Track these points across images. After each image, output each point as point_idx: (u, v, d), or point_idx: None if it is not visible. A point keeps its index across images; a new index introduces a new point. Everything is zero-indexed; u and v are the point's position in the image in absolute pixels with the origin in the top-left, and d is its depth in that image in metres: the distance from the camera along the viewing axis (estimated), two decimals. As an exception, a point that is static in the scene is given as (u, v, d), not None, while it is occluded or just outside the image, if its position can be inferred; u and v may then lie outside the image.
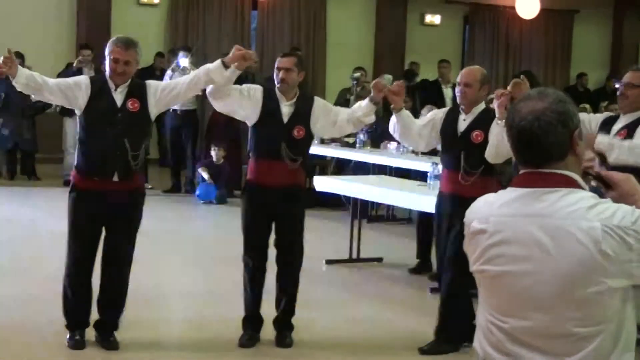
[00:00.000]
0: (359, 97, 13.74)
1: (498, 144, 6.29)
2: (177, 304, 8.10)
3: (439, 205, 6.80)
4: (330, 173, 13.52)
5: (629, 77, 6.55)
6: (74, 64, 14.60)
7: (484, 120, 6.50)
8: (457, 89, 6.68)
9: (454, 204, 6.44)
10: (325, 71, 19.24)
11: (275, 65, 6.57)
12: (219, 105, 6.56)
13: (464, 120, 6.61)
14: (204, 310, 7.69)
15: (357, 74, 14.22)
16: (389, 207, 12.08)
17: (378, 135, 12.27)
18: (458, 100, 6.70)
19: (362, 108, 6.59)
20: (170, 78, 14.93)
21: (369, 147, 12.31)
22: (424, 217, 9.03)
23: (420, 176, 9.87)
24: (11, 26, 15.82)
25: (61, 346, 6.35)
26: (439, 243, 6.83)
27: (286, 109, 6.52)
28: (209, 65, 6.26)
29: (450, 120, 6.68)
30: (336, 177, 9.77)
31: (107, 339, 6.38)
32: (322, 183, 9.60)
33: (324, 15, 19.47)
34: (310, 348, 6.71)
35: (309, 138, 6.67)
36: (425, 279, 8.74)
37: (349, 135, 13.04)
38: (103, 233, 6.30)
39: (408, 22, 20.22)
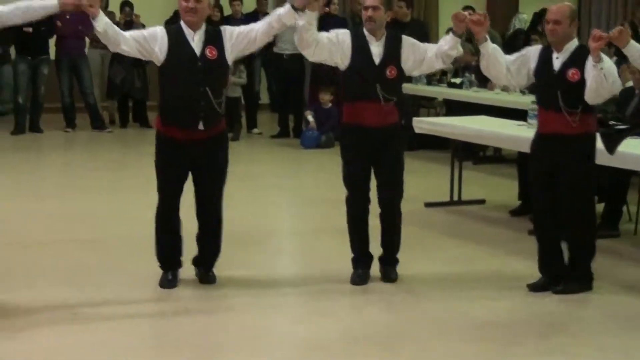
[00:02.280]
0: (468, 39, 13.58)
1: (597, 87, 6.18)
2: (281, 243, 8.25)
3: (536, 146, 6.63)
4: (440, 114, 13.41)
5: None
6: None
7: (579, 58, 6.32)
8: (546, 27, 6.48)
9: (557, 144, 6.37)
10: (437, 10, 18.93)
11: (363, 4, 6.53)
12: (308, 54, 6.49)
13: (557, 58, 6.42)
14: (310, 249, 7.83)
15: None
16: (496, 147, 11.86)
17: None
18: (548, 38, 6.52)
19: (447, 42, 6.49)
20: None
21: (475, 87, 12.10)
22: (524, 158, 8.84)
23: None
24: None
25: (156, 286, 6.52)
26: (535, 185, 6.66)
27: (376, 49, 6.49)
28: (279, 10, 6.18)
29: (544, 59, 6.50)
30: (434, 119, 9.61)
31: (205, 275, 6.55)
32: (421, 125, 9.45)
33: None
34: (411, 283, 6.75)
35: (401, 77, 6.64)
36: (526, 220, 8.56)
37: (456, 75, 12.93)
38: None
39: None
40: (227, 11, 15.68)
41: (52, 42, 14.15)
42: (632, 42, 6.30)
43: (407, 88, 11.31)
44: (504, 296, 6.51)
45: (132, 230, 7.70)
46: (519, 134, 8.26)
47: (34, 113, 14.07)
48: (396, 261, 6.81)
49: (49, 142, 13.62)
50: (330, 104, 13.41)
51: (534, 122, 8.34)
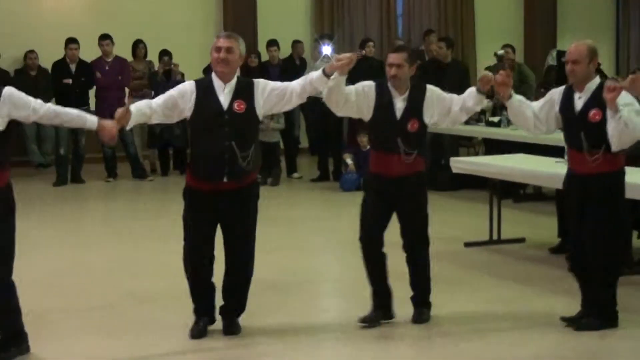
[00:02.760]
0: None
1: (620, 135, 6.21)
2: (319, 288, 8.24)
3: (568, 184, 6.70)
4: (480, 153, 13.40)
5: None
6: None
7: (600, 97, 6.29)
8: (566, 67, 6.45)
9: (582, 183, 6.45)
10: (474, 48, 18.95)
11: (387, 61, 6.52)
12: (336, 111, 6.56)
13: (579, 98, 6.45)
14: (348, 294, 7.82)
15: (500, 52, 13.94)
16: (536, 185, 11.80)
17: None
18: (569, 79, 6.50)
19: (472, 97, 6.51)
20: (313, 68, 15.06)
21: (513, 125, 12.05)
22: (563, 195, 8.81)
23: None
24: (159, 21, 16.21)
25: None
26: (569, 222, 6.75)
27: (400, 103, 6.52)
28: (312, 75, 6.24)
29: (567, 98, 6.53)
30: (472, 158, 9.61)
31: (228, 325, 6.52)
32: (459, 165, 9.46)
33: (470, -8, 19.23)
34: (448, 324, 6.73)
35: (423, 130, 6.62)
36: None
37: (494, 113, 12.91)
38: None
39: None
40: (264, 57, 15.84)
41: (91, 92, 14.30)
42: None
43: (446, 128, 11.28)
44: (546, 336, 6.46)
45: (172, 280, 7.72)
46: (557, 172, 8.17)
47: (76, 164, 14.20)
48: (426, 304, 6.79)
49: (91, 192, 13.74)
50: (368, 147, 13.42)
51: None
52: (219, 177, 6.18)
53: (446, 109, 6.60)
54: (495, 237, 9.39)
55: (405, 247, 6.72)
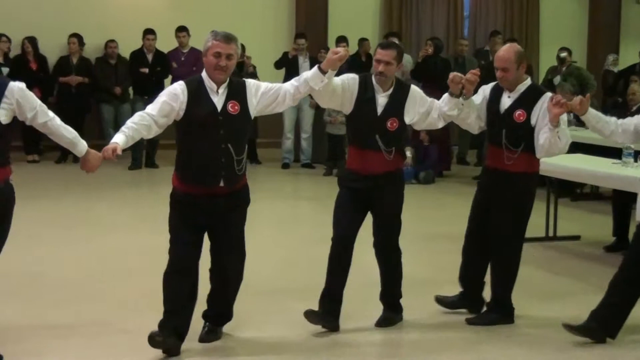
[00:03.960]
0: (565, 77, 13.48)
1: (550, 146, 6.25)
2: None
3: (481, 177, 6.83)
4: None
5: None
6: (290, 53, 14.92)
7: (528, 99, 6.36)
8: (496, 74, 6.44)
9: (495, 179, 6.49)
10: (538, 50, 18.80)
11: (375, 57, 6.28)
12: (322, 103, 6.36)
13: (508, 97, 6.46)
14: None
15: (563, 54, 13.86)
16: (592, 185, 11.71)
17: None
18: (501, 84, 6.49)
19: (446, 102, 6.36)
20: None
21: (573, 126, 11.96)
22: (619, 195, 8.80)
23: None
24: (233, 15, 16.21)
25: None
26: (475, 214, 6.71)
27: (382, 99, 6.29)
28: (307, 75, 5.94)
29: (496, 96, 6.53)
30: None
31: (210, 331, 6.18)
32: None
33: (536, -5, 19.09)
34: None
35: (402, 129, 6.43)
36: (620, 256, 8.43)
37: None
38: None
39: (623, 1, 19.53)
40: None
41: (167, 82, 14.42)
42: (590, 110, 6.34)
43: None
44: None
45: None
46: (613, 172, 8.20)
47: (150, 149, 14.37)
48: (396, 307, 6.66)
49: (164, 177, 13.76)
50: (429, 142, 13.44)
51: (629, 160, 8.28)
52: (215, 181, 5.77)
53: (426, 112, 6.42)
54: (551, 234, 9.35)
55: (375, 245, 6.53)
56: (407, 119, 6.38)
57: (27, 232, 9.29)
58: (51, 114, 5.65)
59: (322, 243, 6.67)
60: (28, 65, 14.69)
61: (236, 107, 5.77)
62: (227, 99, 5.76)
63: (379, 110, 6.26)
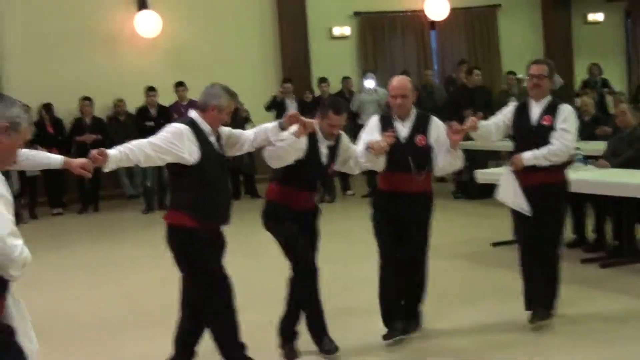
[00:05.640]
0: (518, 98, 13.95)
1: (450, 166, 6.50)
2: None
3: (388, 202, 6.49)
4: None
5: (538, 69, 6.59)
6: (277, 96, 15.36)
7: (421, 125, 6.45)
8: (394, 101, 6.42)
9: (405, 200, 6.40)
10: (500, 76, 19.25)
11: (329, 123, 6.19)
12: (273, 165, 6.19)
13: (404, 127, 6.46)
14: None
15: (519, 76, 14.35)
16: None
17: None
18: (396, 111, 6.46)
19: (364, 156, 6.36)
20: (359, 99, 15.48)
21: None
22: (575, 197, 9.07)
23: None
24: (225, 67, 16.68)
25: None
26: (387, 240, 6.53)
27: (324, 149, 6.30)
28: (267, 126, 6.03)
29: (389, 126, 6.47)
30: (495, 169, 9.88)
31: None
32: (482, 176, 9.90)
33: (495, 26, 19.59)
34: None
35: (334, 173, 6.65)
36: (580, 251, 8.89)
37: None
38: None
39: (573, 23, 20.03)
40: (318, 93, 16.25)
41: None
42: (480, 124, 6.55)
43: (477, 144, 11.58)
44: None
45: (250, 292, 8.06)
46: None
47: (161, 194, 14.72)
48: (418, 316, 6.75)
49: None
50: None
51: (580, 165, 8.67)
52: (229, 218, 5.86)
53: (347, 157, 6.48)
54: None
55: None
56: (337, 165, 6.51)
57: (54, 277, 9.67)
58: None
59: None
60: (46, 130, 15.10)
61: (222, 148, 5.88)
62: (218, 142, 5.81)
63: (324, 159, 6.29)
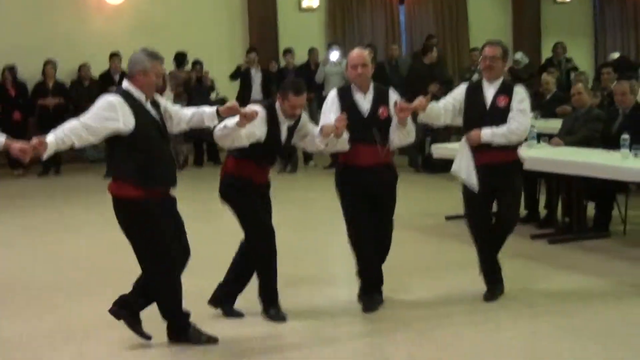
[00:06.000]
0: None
1: (401, 141, 6.56)
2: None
3: (359, 176, 6.55)
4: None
5: (492, 51, 6.63)
6: (242, 66, 15.38)
7: (382, 96, 6.55)
8: (354, 71, 6.47)
9: (373, 173, 6.49)
10: (468, 51, 19.30)
11: (290, 104, 6.28)
12: (225, 147, 6.27)
13: (364, 99, 6.55)
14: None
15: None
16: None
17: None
18: (356, 82, 6.51)
19: (320, 142, 6.46)
20: (323, 71, 15.50)
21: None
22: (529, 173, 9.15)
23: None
24: (192, 35, 16.67)
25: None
26: (358, 212, 6.60)
27: (284, 129, 6.41)
28: (205, 109, 6.05)
29: (350, 98, 6.56)
30: (449, 144, 9.97)
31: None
32: (438, 151, 10.06)
33: (464, 2, 19.66)
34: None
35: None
36: (531, 227, 9.04)
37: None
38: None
39: (542, 2, 20.15)
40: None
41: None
42: (428, 106, 6.54)
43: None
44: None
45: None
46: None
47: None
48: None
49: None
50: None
51: (533, 142, 8.78)
52: (173, 182, 5.88)
53: (304, 134, 6.57)
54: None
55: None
56: (295, 141, 6.60)
57: (10, 239, 9.76)
58: None
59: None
60: (7, 92, 15.04)
61: (160, 116, 5.85)
62: (156, 109, 5.81)
63: (283, 137, 6.40)
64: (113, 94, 5.67)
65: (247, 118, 5.92)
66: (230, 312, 6.53)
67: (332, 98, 6.60)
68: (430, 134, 13.13)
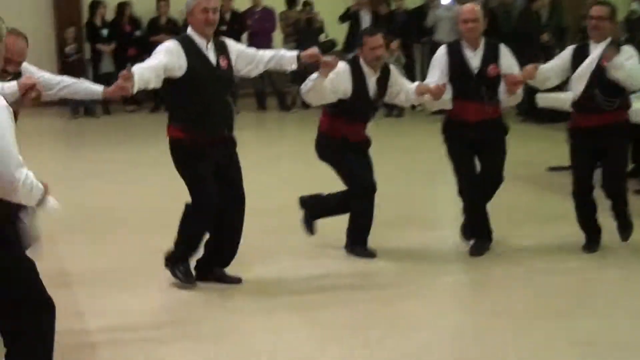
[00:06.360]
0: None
1: (509, 103, 6.72)
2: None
3: (461, 131, 6.64)
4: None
5: (598, 11, 6.47)
6: (352, 8, 15.23)
7: (493, 53, 6.56)
8: (465, 26, 6.49)
9: (483, 128, 6.56)
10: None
11: (369, 46, 6.38)
12: (314, 103, 6.43)
13: (474, 56, 6.57)
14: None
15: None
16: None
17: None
18: (466, 36, 6.54)
19: (415, 99, 6.64)
20: (434, 15, 15.32)
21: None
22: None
23: None
24: None
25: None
26: (465, 162, 6.71)
27: (372, 84, 6.47)
28: (285, 54, 6.00)
29: (459, 55, 6.61)
30: (557, 94, 9.75)
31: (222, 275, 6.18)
32: (543, 100, 9.89)
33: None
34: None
35: (379, 104, 6.73)
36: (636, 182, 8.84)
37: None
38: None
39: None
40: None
41: (243, 38, 14.94)
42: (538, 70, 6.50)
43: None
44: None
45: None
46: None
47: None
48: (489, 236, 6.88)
49: (244, 122, 14.35)
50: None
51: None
52: (221, 129, 5.78)
53: (396, 92, 6.62)
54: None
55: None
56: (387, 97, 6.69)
57: (115, 170, 10.14)
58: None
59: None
60: (122, 28, 15.38)
61: (226, 62, 5.79)
62: (217, 54, 5.74)
63: (371, 92, 6.48)
64: (172, 40, 5.71)
65: (328, 66, 5.92)
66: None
67: (440, 54, 6.65)
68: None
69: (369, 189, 6.52)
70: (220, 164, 5.79)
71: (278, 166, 10.75)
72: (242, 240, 6.03)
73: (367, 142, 6.65)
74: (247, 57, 5.94)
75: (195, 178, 5.73)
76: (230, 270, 6.07)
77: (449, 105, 6.56)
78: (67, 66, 14.75)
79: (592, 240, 6.76)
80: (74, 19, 15.92)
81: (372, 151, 6.68)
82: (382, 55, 6.45)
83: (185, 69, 5.60)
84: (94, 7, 15.41)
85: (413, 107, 14.70)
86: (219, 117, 5.76)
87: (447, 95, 6.47)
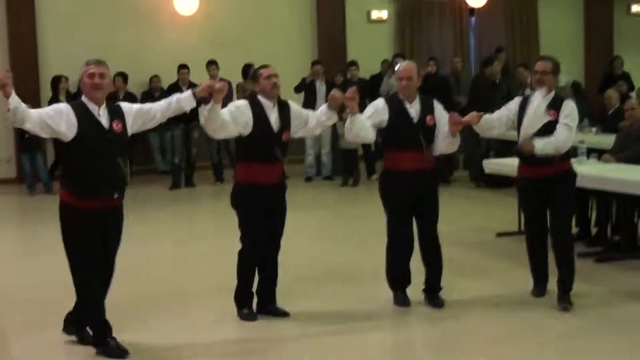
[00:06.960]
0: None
1: (445, 149, 7.07)
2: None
3: (407, 180, 6.94)
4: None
5: (542, 65, 6.86)
6: (307, 78, 15.53)
7: (428, 106, 6.99)
8: (400, 83, 6.94)
9: (419, 177, 6.92)
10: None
11: (263, 77, 6.63)
12: (214, 135, 6.62)
13: (412, 107, 6.94)
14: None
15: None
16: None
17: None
18: (402, 92, 6.95)
19: (324, 113, 6.82)
20: (388, 83, 15.61)
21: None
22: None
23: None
24: (260, 47, 16.75)
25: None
26: (402, 212, 7.07)
27: (273, 117, 6.64)
28: (180, 95, 6.28)
29: (400, 107, 6.94)
30: (502, 160, 9.98)
31: None
32: (490, 166, 10.07)
33: (535, 14, 19.58)
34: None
35: (288, 140, 6.80)
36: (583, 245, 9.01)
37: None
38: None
39: (615, 13, 19.97)
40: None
41: (200, 110, 14.89)
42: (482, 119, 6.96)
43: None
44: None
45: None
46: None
47: (188, 171, 15.11)
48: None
49: (201, 194, 14.59)
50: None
51: (582, 158, 8.79)
52: (111, 193, 5.94)
53: (304, 122, 6.86)
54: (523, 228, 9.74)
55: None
56: (293, 130, 6.82)
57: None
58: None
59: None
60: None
61: (119, 125, 5.99)
62: (111, 118, 5.96)
63: (274, 126, 6.64)
64: (64, 104, 5.98)
65: (220, 91, 6.12)
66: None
67: (381, 105, 6.99)
68: (493, 149, 13.18)
69: (252, 253, 6.74)
70: (108, 230, 5.98)
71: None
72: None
73: (282, 186, 6.78)
74: (144, 115, 6.17)
75: (77, 246, 5.89)
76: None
77: (370, 134, 6.87)
78: (26, 141, 14.74)
79: (540, 285, 7.15)
80: (32, 93, 15.90)
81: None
82: (277, 84, 6.64)
83: (75, 132, 5.80)
84: (55, 82, 15.44)
85: (369, 174, 15.00)
86: (108, 179, 5.92)
87: (366, 120, 6.82)
